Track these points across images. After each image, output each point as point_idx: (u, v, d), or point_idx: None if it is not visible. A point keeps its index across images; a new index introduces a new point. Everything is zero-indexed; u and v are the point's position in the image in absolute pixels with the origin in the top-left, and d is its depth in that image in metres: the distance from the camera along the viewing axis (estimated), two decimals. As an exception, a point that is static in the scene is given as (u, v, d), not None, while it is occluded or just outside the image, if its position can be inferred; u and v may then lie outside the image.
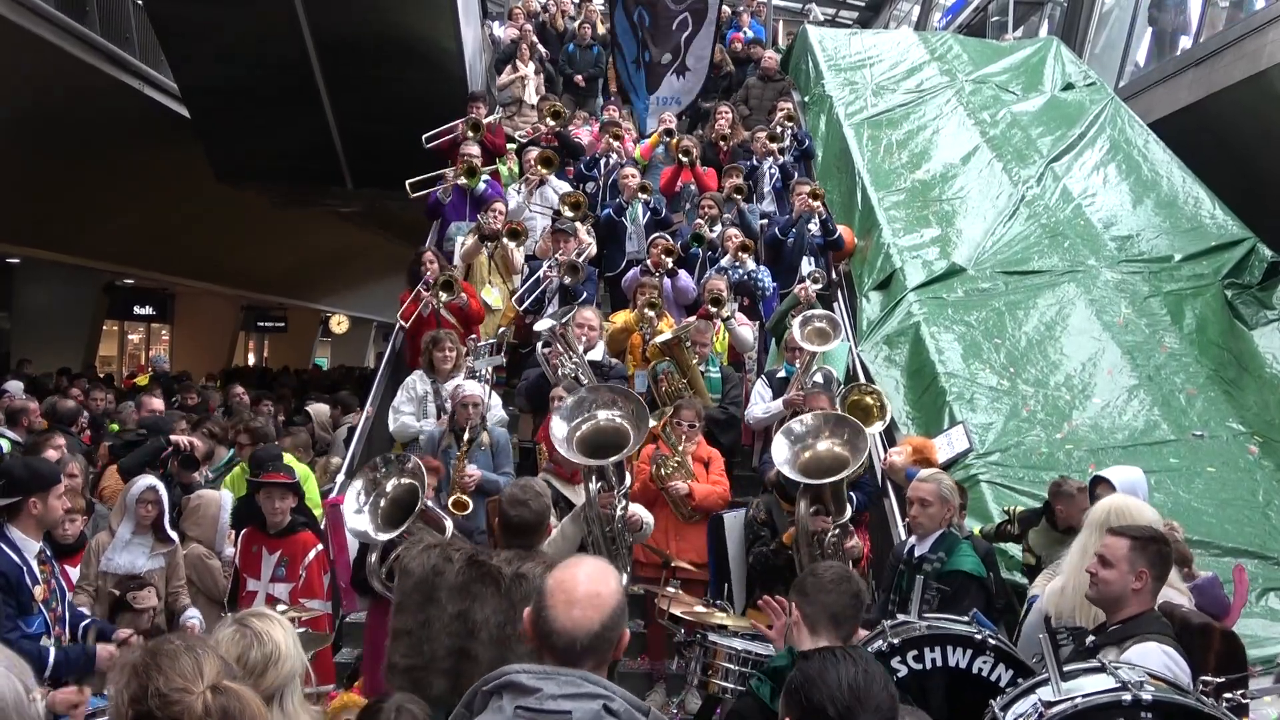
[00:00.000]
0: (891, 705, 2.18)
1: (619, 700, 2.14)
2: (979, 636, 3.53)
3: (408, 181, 9.70)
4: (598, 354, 7.07)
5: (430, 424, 6.53)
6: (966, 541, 4.64)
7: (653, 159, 10.36)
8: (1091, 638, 3.39)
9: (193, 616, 5.32)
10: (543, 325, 6.95)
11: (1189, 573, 4.65)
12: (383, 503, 4.64)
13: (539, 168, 9.22)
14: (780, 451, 4.95)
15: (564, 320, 6.72)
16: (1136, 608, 3.34)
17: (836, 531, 5.00)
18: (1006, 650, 3.55)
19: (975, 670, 3.49)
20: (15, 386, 9.72)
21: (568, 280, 7.97)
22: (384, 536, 4.55)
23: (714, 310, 7.55)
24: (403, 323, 8.10)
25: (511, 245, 8.56)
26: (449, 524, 4.83)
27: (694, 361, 7.07)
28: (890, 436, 7.29)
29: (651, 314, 7.55)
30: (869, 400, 6.66)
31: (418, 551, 3.77)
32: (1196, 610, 3.87)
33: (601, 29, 13.31)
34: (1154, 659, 3.13)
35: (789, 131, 10.60)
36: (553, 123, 10.09)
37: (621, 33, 12.08)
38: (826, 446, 4.96)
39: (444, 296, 7.70)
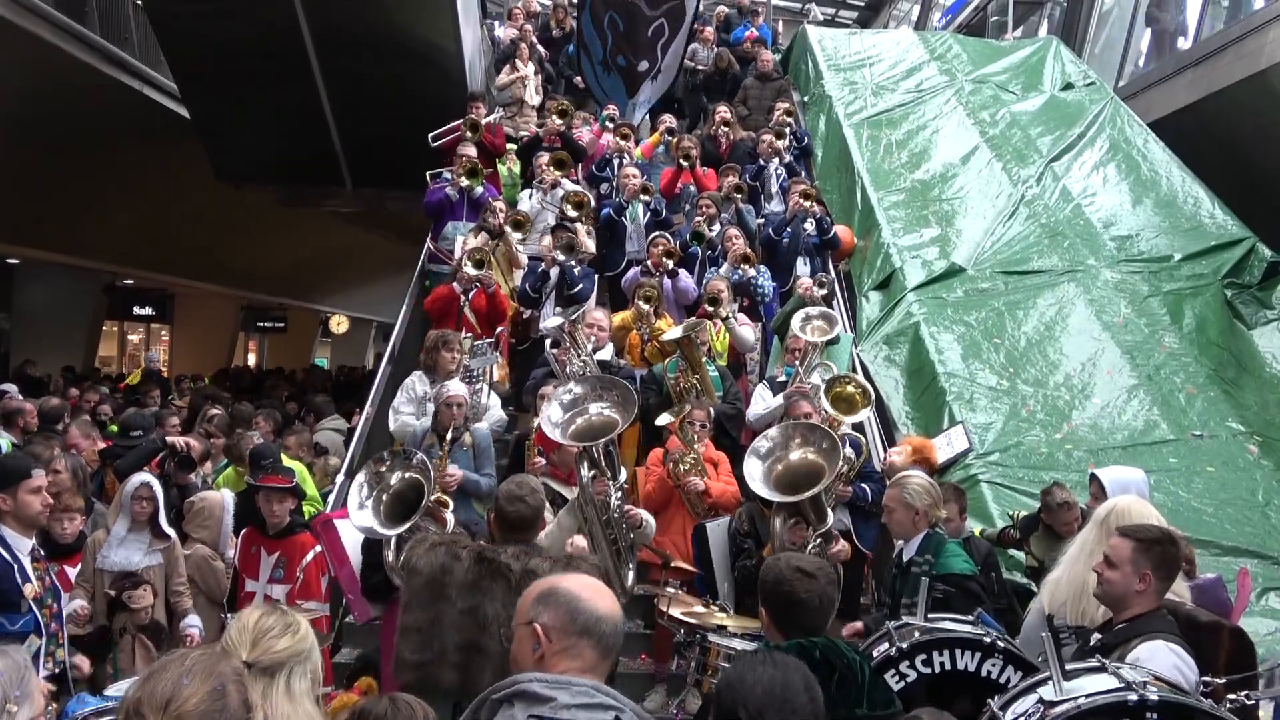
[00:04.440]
0: (813, 713, 2.16)
1: (629, 712, 2.16)
2: (988, 639, 3.51)
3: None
4: (607, 354, 7.05)
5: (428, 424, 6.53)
6: (953, 542, 4.58)
7: (654, 158, 10.36)
8: (1097, 636, 3.38)
9: (193, 625, 5.33)
10: (551, 324, 6.94)
11: (1190, 570, 4.64)
12: (385, 497, 4.64)
13: (553, 170, 9.22)
14: (753, 470, 4.89)
15: (573, 319, 6.71)
16: (1142, 607, 3.32)
17: (819, 541, 4.90)
18: (1015, 652, 3.53)
19: (984, 673, 3.47)
20: (14, 388, 9.70)
21: (561, 258, 7.96)
22: (389, 531, 4.54)
23: (711, 310, 7.55)
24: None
25: (515, 238, 8.55)
26: (450, 518, 4.83)
27: (702, 360, 7.07)
28: (890, 437, 7.29)
29: (648, 308, 7.55)
30: (850, 389, 6.64)
31: (424, 550, 3.79)
32: (1202, 609, 3.86)
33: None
34: (1161, 658, 3.11)
35: (789, 128, 10.60)
36: (559, 121, 10.08)
37: (588, 35, 12.02)
38: (799, 456, 4.87)
39: (470, 270, 7.65)
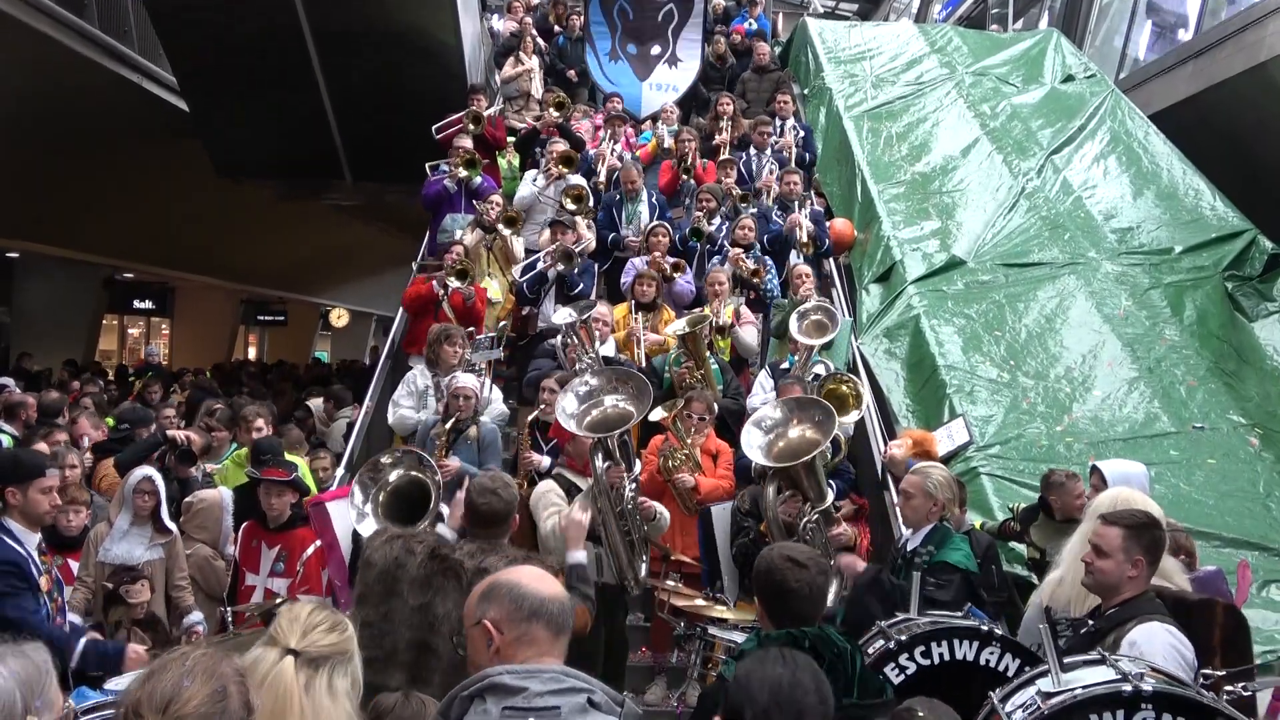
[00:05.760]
0: (822, 715, 2.18)
1: (599, 692, 2.20)
2: (985, 628, 3.53)
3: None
4: (609, 349, 7.07)
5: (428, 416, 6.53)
6: (959, 535, 4.62)
7: (653, 161, 10.34)
8: (1090, 622, 3.42)
9: (197, 622, 5.33)
10: (561, 318, 6.95)
11: (1191, 563, 4.65)
12: (382, 496, 4.62)
13: (560, 166, 9.20)
14: (753, 439, 4.92)
15: (584, 315, 6.73)
16: (1132, 591, 3.39)
17: (815, 518, 4.95)
18: (1012, 639, 3.56)
19: (984, 661, 3.49)
20: (12, 381, 9.72)
21: (560, 268, 7.95)
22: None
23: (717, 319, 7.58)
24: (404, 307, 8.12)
25: (509, 234, 8.53)
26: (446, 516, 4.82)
27: (706, 354, 7.07)
28: (891, 429, 7.29)
29: (639, 324, 7.57)
30: (844, 389, 6.65)
31: (380, 543, 3.74)
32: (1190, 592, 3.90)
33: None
34: (1159, 638, 3.17)
35: (794, 132, 10.58)
36: (556, 114, 10.05)
37: (595, 25, 11.98)
38: (798, 433, 4.93)
39: (453, 283, 7.67)
